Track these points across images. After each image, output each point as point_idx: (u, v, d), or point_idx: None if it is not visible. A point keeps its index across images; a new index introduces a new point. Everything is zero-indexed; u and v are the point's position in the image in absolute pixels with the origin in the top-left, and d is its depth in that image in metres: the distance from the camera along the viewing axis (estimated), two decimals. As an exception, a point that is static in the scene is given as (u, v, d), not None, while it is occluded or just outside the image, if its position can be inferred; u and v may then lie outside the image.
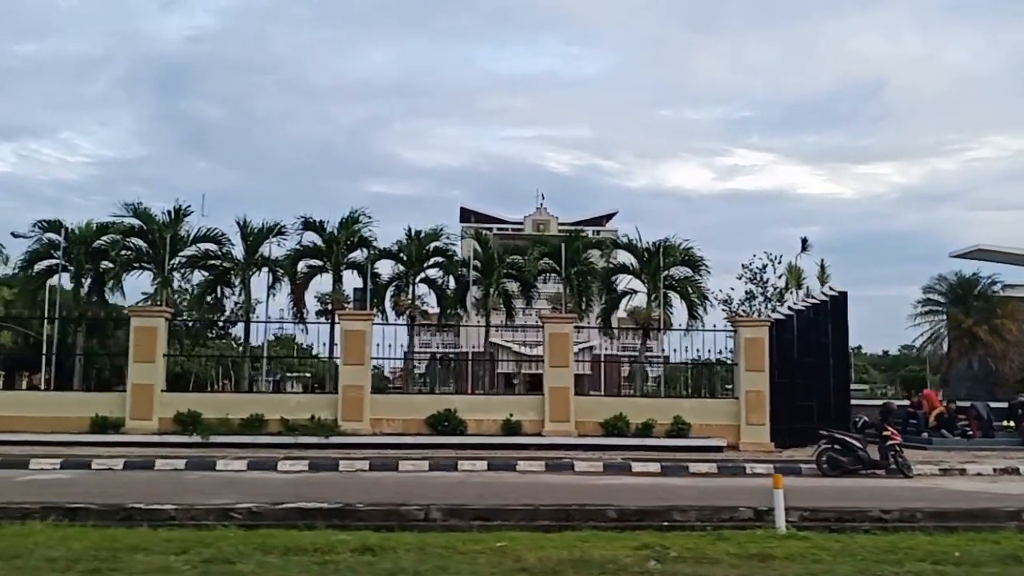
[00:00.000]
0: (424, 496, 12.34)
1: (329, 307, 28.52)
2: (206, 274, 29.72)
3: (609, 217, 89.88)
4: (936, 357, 47.61)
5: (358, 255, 30.00)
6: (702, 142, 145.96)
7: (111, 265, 28.88)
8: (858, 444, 17.11)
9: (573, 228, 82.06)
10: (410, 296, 29.59)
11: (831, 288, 26.52)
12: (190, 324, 34.74)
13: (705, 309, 29.12)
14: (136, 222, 28.41)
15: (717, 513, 11.46)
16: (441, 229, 29.32)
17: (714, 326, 24.53)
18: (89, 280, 29.16)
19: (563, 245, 28.63)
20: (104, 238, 28.75)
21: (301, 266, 30.22)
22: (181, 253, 28.87)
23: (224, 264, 29.43)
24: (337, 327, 22.77)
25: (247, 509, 11.12)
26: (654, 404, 22.40)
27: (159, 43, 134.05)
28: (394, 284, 30.68)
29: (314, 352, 35.67)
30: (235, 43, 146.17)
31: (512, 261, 30.35)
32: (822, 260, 31.92)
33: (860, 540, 9.12)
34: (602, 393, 40.78)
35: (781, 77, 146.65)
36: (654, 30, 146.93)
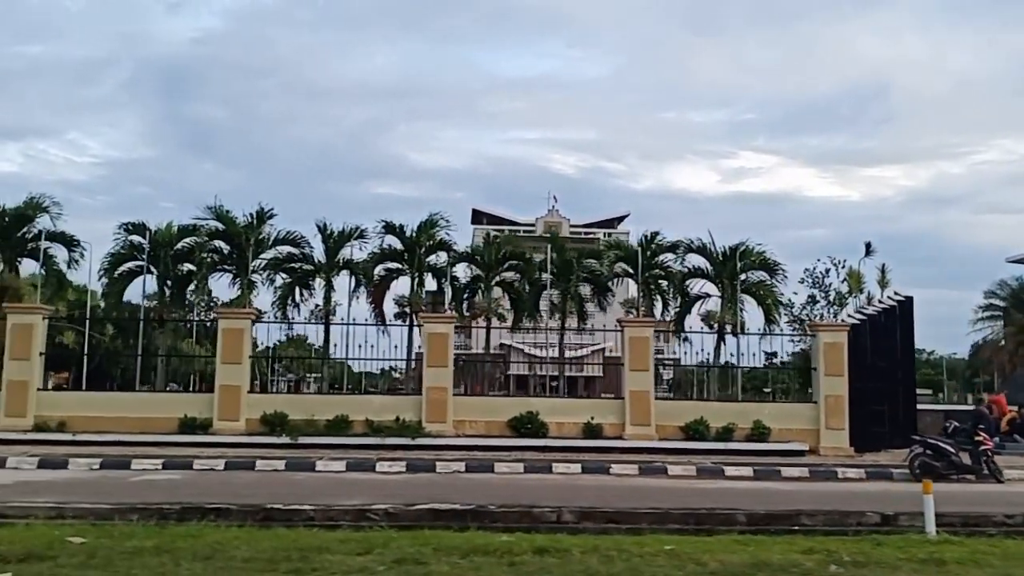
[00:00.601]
0: (541, 498, 12.56)
1: (407, 310, 28.76)
2: (285, 276, 29.98)
3: (621, 219, 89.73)
4: (984, 360, 47.16)
5: (433, 258, 30.19)
6: (707, 144, 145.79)
7: (193, 268, 29.31)
8: (951, 449, 17.16)
9: (584, 230, 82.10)
10: (487, 299, 29.78)
11: (896, 293, 26.38)
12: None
13: (780, 313, 29.11)
14: (218, 225, 28.75)
15: (844, 518, 11.61)
16: (515, 233, 29.55)
17: (794, 328, 24.51)
18: (170, 283, 29.55)
19: (640, 249, 28.76)
20: (186, 240, 29.16)
21: (379, 269, 30.46)
22: (260, 255, 29.15)
23: (304, 267, 29.70)
24: (416, 330, 23.13)
25: (383, 510, 11.38)
26: (734, 408, 22.50)
27: (164, 45, 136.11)
28: (470, 288, 30.98)
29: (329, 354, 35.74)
30: (239, 45, 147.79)
31: (588, 265, 30.49)
32: (883, 264, 31.66)
33: (1011, 545, 9.22)
34: (613, 396, 40.91)
35: (783, 79, 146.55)
36: (654, 31, 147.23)
